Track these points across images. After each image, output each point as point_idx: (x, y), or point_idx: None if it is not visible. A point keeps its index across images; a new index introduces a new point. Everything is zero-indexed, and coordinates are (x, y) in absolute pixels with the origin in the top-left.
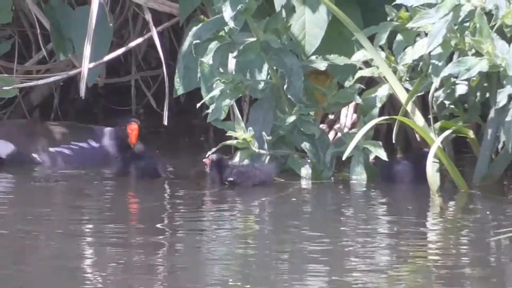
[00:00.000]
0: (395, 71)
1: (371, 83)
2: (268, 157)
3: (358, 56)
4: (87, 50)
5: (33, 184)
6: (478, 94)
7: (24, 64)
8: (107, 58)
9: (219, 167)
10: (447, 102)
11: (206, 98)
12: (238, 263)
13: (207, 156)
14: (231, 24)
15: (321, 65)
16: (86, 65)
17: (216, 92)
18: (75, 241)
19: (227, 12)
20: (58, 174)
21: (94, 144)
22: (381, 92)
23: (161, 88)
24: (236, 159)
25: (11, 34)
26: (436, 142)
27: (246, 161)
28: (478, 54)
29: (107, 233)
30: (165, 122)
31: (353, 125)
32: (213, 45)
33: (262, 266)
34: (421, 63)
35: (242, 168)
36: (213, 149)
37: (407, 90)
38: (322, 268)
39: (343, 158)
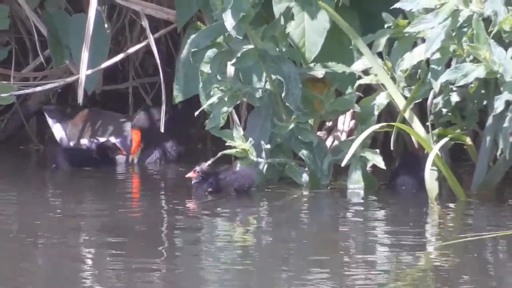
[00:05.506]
0: (393, 78)
1: (369, 90)
2: (266, 165)
3: (358, 66)
4: (84, 57)
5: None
6: (475, 101)
7: (21, 71)
8: (104, 65)
9: (203, 177)
10: (444, 110)
11: (204, 106)
12: (236, 273)
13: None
14: (234, 33)
15: (319, 73)
16: (83, 72)
17: (214, 100)
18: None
19: (229, 21)
20: None
21: None
22: (379, 100)
23: (159, 95)
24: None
25: (8, 41)
26: (434, 150)
27: (224, 167)
28: (476, 60)
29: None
30: (162, 129)
31: (351, 132)
32: (212, 52)
33: (261, 276)
34: (419, 71)
35: (221, 175)
36: (212, 159)
37: (405, 97)
38: (322, 276)
39: (342, 165)
